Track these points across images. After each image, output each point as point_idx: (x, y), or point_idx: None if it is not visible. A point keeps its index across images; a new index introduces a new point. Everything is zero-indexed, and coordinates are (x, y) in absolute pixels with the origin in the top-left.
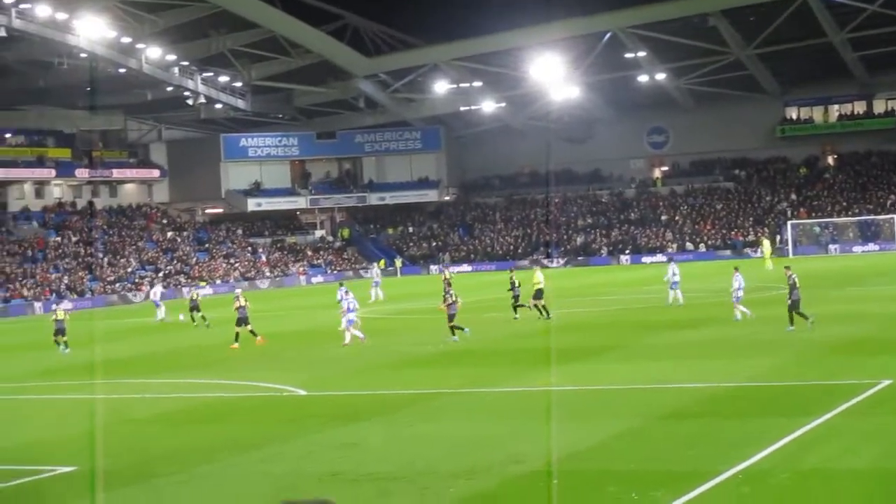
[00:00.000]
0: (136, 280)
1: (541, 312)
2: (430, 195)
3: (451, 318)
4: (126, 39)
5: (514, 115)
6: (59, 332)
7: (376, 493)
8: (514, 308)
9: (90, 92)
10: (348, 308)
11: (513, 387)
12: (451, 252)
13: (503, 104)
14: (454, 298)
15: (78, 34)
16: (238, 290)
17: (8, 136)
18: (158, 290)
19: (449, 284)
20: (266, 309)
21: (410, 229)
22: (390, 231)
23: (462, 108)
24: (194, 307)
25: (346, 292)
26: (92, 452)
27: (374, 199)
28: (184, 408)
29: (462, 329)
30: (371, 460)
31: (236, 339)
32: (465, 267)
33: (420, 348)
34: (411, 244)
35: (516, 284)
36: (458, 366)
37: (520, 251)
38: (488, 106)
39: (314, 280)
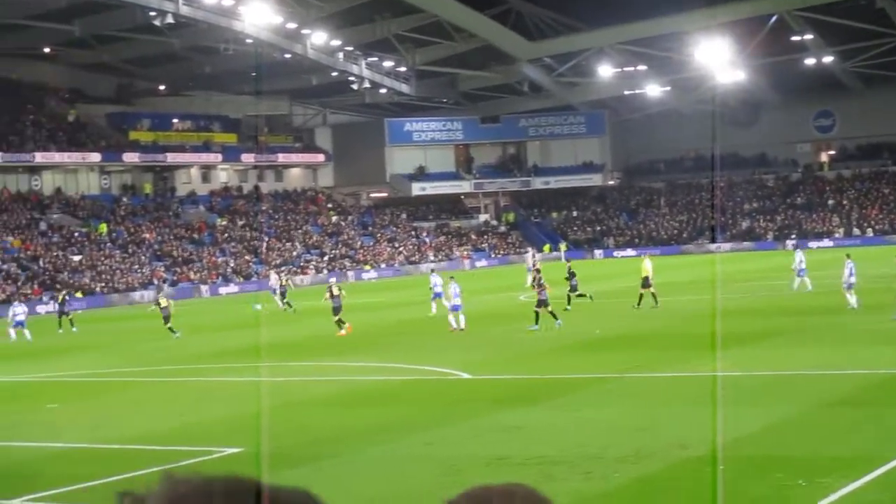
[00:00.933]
0: (302, 263)
1: (639, 301)
2: (595, 179)
3: (539, 304)
4: (291, 25)
5: (679, 99)
6: (165, 318)
7: (541, 476)
8: (568, 299)
9: (256, 77)
10: (454, 293)
11: (674, 371)
12: (614, 236)
13: (668, 88)
14: (543, 286)
15: (243, 20)
16: (332, 280)
17: (175, 121)
18: (273, 277)
19: (538, 272)
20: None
21: (574, 213)
22: (554, 215)
23: (626, 92)
24: (283, 293)
25: (451, 278)
26: (259, 434)
27: (538, 183)
28: (349, 390)
29: (555, 318)
30: (536, 444)
31: (340, 327)
32: (629, 251)
33: (582, 333)
34: (575, 228)
35: (574, 274)
36: (620, 350)
37: (684, 235)
38: (653, 90)
39: (478, 264)
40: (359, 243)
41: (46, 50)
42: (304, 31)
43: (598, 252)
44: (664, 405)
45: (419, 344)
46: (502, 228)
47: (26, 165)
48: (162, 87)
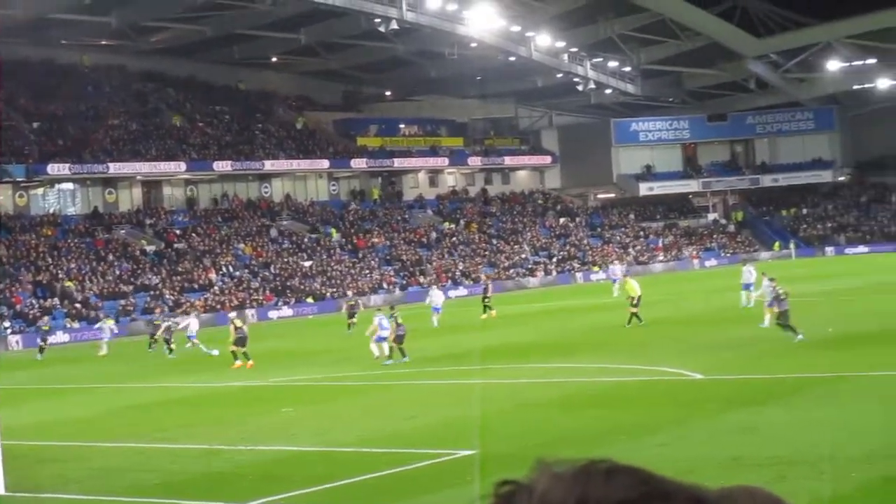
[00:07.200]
0: (531, 266)
1: (630, 320)
2: (825, 176)
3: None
4: (515, 28)
5: None
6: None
7: (775, 477)
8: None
9: (481, 81)
10: (381, 325)
11: None
12: (846, 233)
13: None
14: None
15: (468, 24)
16: (232, 314)
17: (402, 126)
18: (436, 294)
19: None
20: (659, 293)
21: (804, 211)
22: (784, 213)
23: (856, 87)
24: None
25: (389, 310)
26: (489, 436)
27: (767, 180)
28: (580, 391)
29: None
30: (770, 444)
31: (236, 357)
32: (862, 248)
33: (815, 332)
34: (805, 226)
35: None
36: (853, 349)
37: None
38: (883, 83)
39: (707, 263)
40: (587, 245)
41: (273, 59)
42: (528, 34)
43: (829, 249)
44: None
45: (649, 345)
46: (731, 227)
47: (256, 173)
48: (388, 93)
